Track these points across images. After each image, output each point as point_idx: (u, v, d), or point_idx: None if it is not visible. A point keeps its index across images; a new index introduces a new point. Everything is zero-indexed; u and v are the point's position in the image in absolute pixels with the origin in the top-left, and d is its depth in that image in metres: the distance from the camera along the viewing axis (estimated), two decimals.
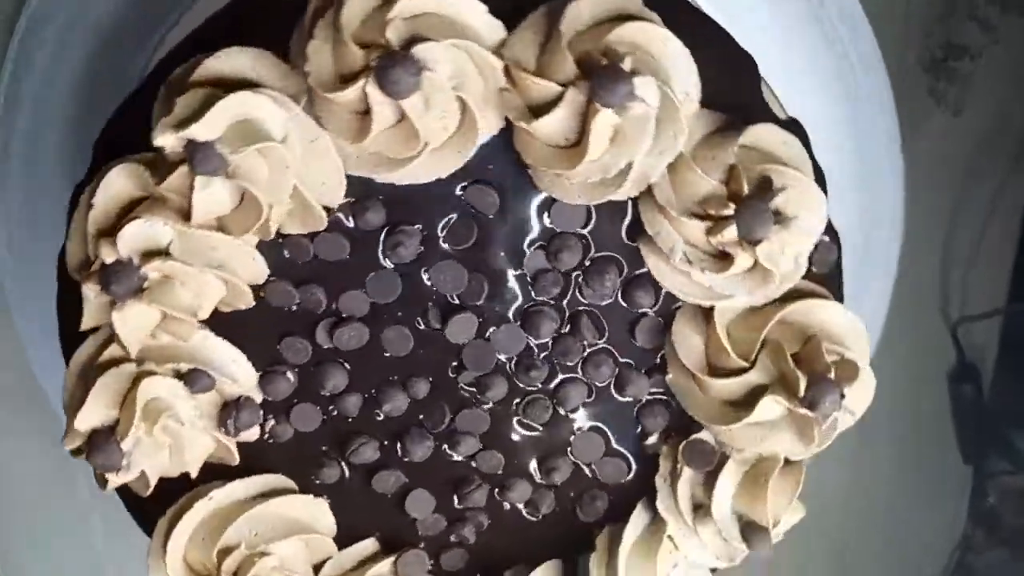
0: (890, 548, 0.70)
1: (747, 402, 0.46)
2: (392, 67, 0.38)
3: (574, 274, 0.48)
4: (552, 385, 0.49)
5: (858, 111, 0.57)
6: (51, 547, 0.54)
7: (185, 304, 0.43)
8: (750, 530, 0.48)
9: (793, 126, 0.47)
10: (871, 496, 0.68)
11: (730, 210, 0.42)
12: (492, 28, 0.41)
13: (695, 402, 0.48)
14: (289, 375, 0.48)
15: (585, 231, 0.47)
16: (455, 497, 0.51)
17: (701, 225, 0.43)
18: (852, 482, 0.67)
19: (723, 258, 0.44)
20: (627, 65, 0.40)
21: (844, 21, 0.55)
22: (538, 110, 0.41)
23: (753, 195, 0.42)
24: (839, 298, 0.49)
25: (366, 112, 0.40)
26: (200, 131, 0.39)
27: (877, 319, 0.60)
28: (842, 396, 0.44)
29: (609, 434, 0.51)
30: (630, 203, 0.46)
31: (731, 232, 0.42)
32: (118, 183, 0.42)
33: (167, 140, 0.39)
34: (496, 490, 0.51)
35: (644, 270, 0.47)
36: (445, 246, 0.47)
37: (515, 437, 0.50)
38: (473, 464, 0.50)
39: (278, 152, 0.40)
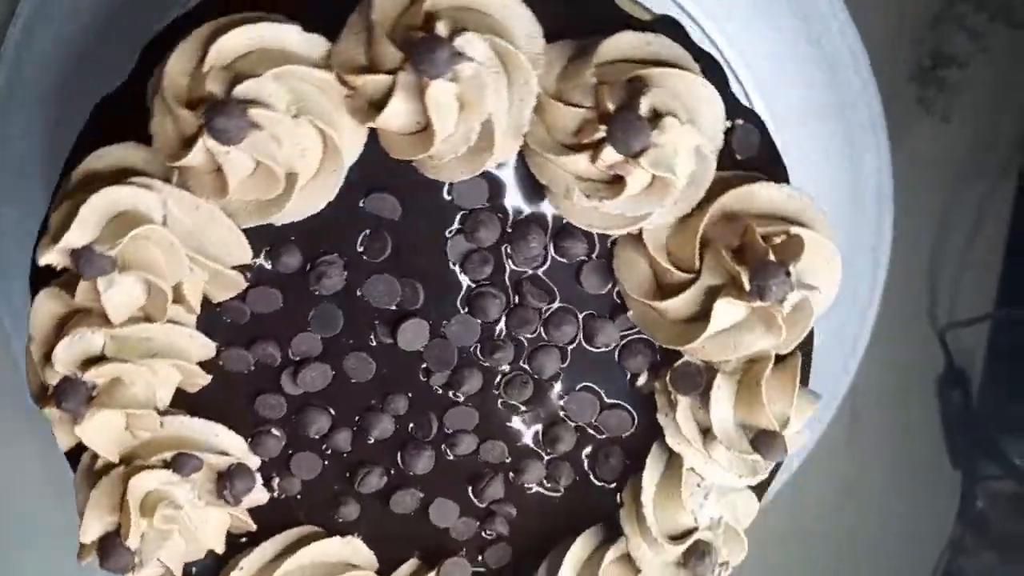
0: (880, 551, 0.71)
1: (706, 313, 0.44)
2: (216, 116, 0.39)
3: (502, 247, 0.47)
4: (523, 360, 0.49)
5: (848, 120, 0.57)
6: (41, 554, 0.59)
7: (141, 399, 0.45)
8: (761, 439, 0.46)
9: (659, 23, 0.45)
10: (860, 500, 0.69)
11: (601, 131, 0.41)
12: (312, 44, 0.41)
13: (660, 329, 0.46)
14: (274, 431, 0.49)
15: (501, 201, 0.46)
16: (474, 496, 0.51)
17: (583, 157, 0.42)
18: (842, 486, 0.68)
19: (617, 181, 0.42)
20: (444, 29, 0.40)
21: (834, 30, 0.55)
22: (379, 104, 0.41)
23: (619, 107, 0.41)
24: (780, 178, 0.46)
25: (220, 168, 0.41)
26: (73, 238, 0.40)
27: (866, 325, 0.60)
28: (787, 274, 0.42)
29: (598, 389, 0.49)
30: (517, 160, 0.45)
31: (610, 153, 0.41)
32: (44, 309, 0.44)
33: (51, 257, 0.41)
34: (511, 477, 0.50)
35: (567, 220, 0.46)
36: (368, 262, 0.47)
37: (508, 421, 0.50)
38: (479, 459, 0.50)
39: (158, 233, 0.42)
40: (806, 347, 0.48)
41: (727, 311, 0.44)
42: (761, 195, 0.44)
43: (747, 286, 0.42)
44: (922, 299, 0.67)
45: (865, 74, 0.56)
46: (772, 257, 0.42)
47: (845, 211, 0.58)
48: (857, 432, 0.64)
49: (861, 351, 0.60)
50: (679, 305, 0.45)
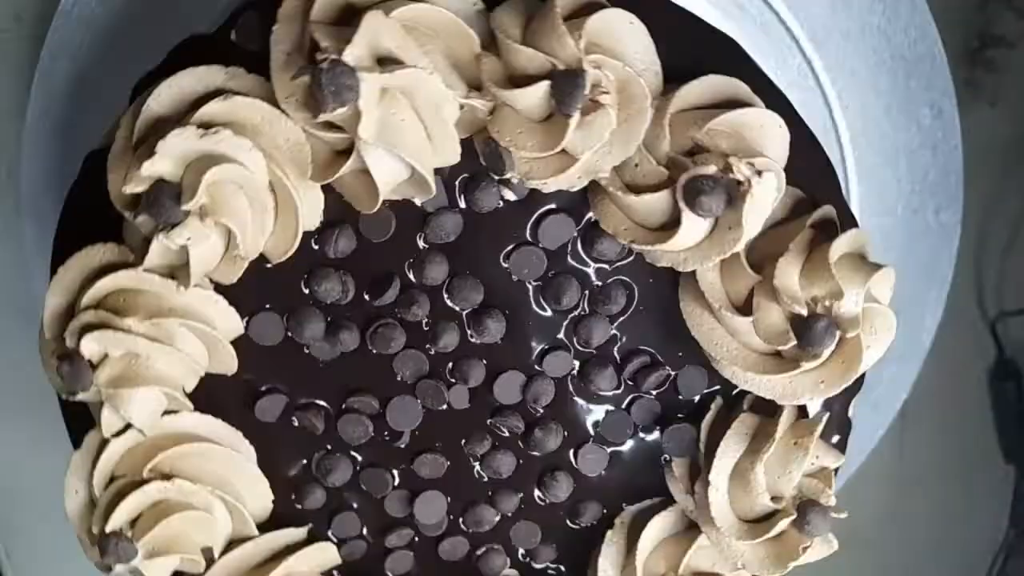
0: (931, 552, 0.69)
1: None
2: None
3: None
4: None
5: (914, 104, 0.57)
6: (55, 549, 0.57)
7: (202, 542, 0.45)
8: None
9: None
10: (911, 500, 0.68)
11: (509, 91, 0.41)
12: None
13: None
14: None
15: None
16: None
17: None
18: (892, 485, 0.66)
19: (546, 133, 0.41)
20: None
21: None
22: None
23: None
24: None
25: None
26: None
27: (933, 319, 0.59)
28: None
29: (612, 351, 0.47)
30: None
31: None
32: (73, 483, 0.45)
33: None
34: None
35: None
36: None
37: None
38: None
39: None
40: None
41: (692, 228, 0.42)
42: (690, 96, 0.43)
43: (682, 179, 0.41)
44: (970, 288, 0.65)
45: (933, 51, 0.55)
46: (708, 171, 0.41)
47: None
48: (906, 429, 0.62)
49: (924, 352, 0.60)
50: (649, 207, 0.43)
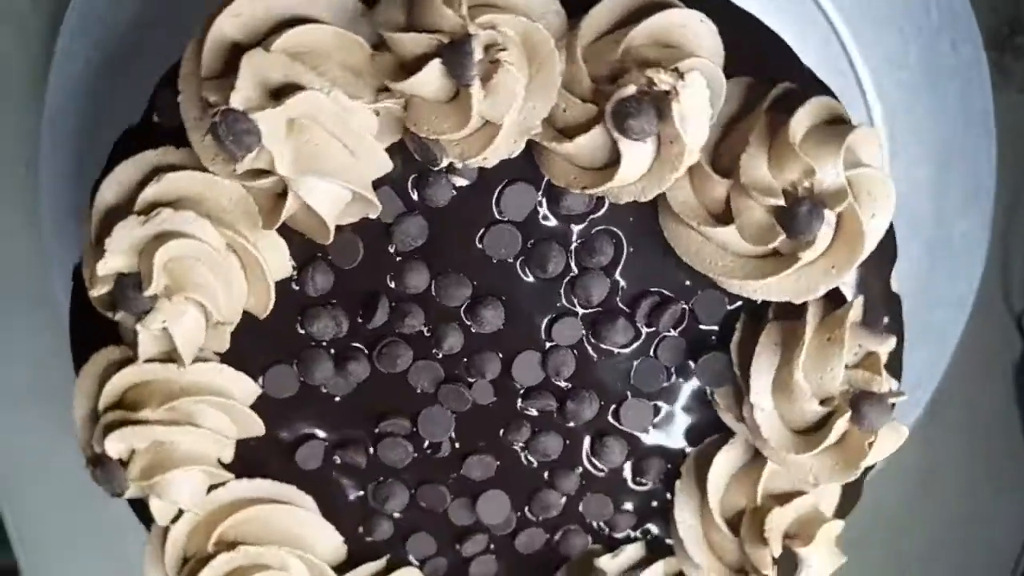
0: (955, 548, 0.64)
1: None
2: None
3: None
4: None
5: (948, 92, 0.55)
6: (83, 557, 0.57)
7: None
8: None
9: None
10: (935, 496, 0.64)
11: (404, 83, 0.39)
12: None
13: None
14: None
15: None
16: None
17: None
18: (916, 481, 0.63)
19: (456, 110, 0.40)
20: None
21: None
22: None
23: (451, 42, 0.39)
24: None
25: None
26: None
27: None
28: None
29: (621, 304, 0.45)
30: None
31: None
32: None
33: None
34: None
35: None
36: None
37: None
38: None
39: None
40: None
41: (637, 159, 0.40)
42: (598, 23, 0.41)
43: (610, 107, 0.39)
44: (996, 282, 0.61)
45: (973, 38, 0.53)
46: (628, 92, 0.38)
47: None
48: (931, 424, 0.58)
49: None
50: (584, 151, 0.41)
